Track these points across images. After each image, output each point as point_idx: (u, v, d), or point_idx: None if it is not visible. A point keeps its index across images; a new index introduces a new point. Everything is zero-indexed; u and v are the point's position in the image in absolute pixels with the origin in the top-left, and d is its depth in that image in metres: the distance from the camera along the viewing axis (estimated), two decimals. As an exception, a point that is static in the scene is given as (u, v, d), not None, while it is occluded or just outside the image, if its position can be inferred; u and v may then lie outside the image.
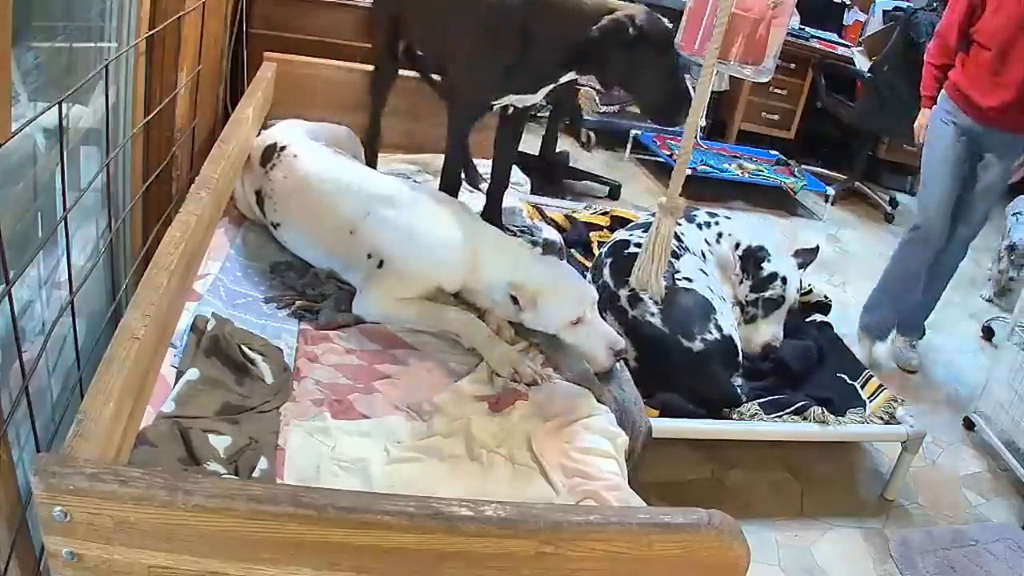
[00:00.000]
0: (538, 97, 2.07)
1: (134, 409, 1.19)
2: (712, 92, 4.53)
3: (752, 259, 2.51)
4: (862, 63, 4.71)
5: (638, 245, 2.26)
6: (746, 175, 4.44)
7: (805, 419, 2.22)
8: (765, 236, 2.62)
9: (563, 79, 1.97)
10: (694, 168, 4.13)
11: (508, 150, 2.27)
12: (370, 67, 2.51)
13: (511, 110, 2.17)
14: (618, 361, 1.81)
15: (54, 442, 1.29)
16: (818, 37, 5.17)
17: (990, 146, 2.78)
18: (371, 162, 2.46)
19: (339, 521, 0.91)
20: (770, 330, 2.45)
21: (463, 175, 2.39)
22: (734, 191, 4.45)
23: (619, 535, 0.97)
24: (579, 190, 4.07)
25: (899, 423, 2.32)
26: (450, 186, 2.18)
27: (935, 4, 4.52)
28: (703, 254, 2.49)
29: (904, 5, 5.01)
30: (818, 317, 2.76)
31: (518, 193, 2.66)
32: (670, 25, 1.81)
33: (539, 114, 4.30)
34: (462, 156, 2.17)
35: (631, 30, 1.76)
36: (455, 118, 2.10)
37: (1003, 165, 2.80)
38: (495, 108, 2.10)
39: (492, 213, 2.24)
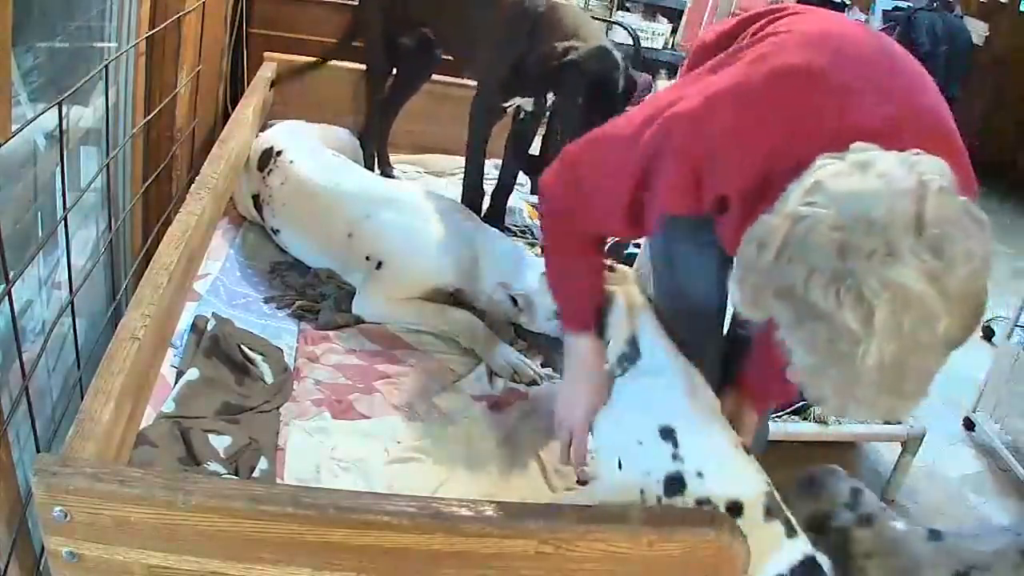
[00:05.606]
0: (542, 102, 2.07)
1: (134, 409, 1.19)
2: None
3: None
4: (862, 63, 4.70)
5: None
6: (746, 175, 4.42)
7: (805, 419, 2.22)
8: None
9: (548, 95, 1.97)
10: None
11: (517, 155, 2.26)
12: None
13: (522, 114, 2.17)
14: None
15: (54, 442, 1.29)
16: (818, 37, 5.15)
17: None
18: (371, 164, 2.45)
19: (339, 521, 0.91)
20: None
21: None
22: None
23: (619, 535, 0.97)
24: (579, 190, 4.06)
25: (899, 423, 2.31)
26: (472, 198, 2.14)
27: (935, 4, 4.52)
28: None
29: (904, 5, 5.00)
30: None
31: (518, 193, 2.66)
32: (619, 67, 1.76)
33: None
34: (475, 159, 2.13)
35: (556, 62, 1.73)
36: (474, 119, 2.09)
37: None
38: (508, 110, 2.09)
39: (495, 215, 2.24)
